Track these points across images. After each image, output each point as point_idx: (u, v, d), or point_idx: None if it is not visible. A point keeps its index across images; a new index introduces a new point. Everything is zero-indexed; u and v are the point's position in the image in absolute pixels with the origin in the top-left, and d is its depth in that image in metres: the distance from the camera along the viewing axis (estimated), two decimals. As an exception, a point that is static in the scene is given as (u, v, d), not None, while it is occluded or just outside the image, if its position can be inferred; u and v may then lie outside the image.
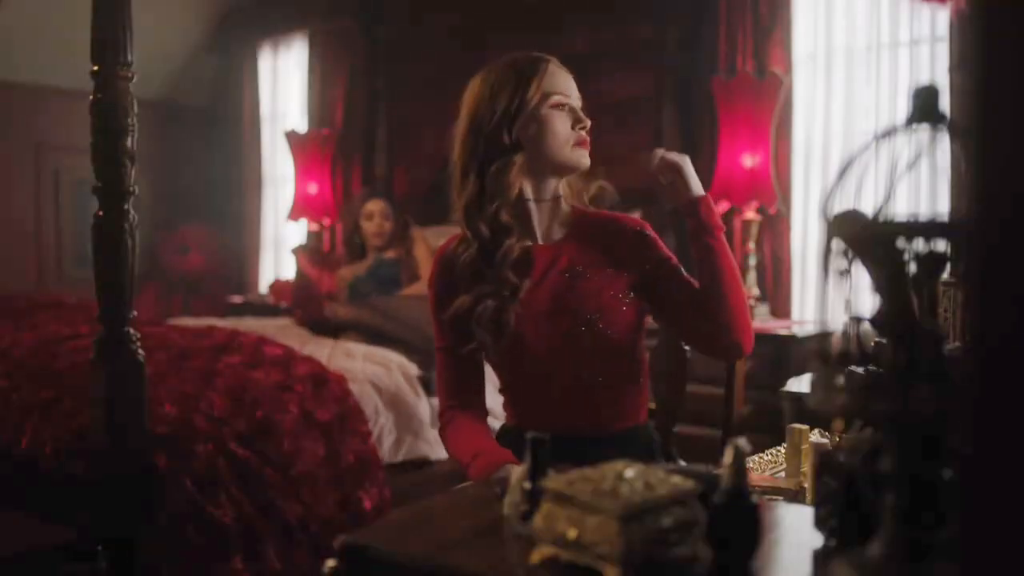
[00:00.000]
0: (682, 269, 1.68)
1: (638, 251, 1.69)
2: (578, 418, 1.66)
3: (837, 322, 0.84)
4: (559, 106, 1.67)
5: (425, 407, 3.20)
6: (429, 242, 4.19)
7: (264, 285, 5.73)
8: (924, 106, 0.80)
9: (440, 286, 1.73)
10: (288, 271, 5.58)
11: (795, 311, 3.70)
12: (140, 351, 2.20)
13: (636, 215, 1.76)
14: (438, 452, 3.14)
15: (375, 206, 4.11)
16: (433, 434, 3.15)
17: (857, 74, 3.51)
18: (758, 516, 0.92)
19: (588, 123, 1.68)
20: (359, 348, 3.52)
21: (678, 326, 1.75)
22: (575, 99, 1.70)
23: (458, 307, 1.67)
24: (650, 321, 1.75)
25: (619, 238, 1.70)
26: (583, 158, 1.69)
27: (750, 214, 3.58)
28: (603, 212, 1.77)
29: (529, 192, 1.69)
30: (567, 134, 1.67)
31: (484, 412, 1.75)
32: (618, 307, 1.66)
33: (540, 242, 1.72)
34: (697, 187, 1.65)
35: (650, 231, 1.72)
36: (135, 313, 2.21)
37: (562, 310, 1.65)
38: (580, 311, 1.65)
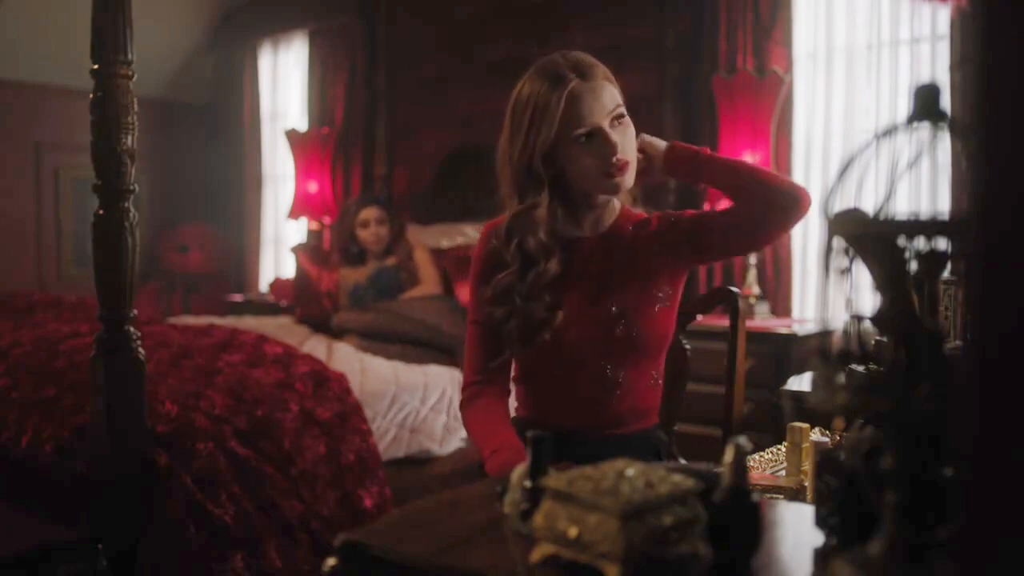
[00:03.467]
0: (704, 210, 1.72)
1: (663, 230, 1.69)
2: (593, 418, 1.66)
3: (838, 321, 0.84)
4: (584, 136, 1.58)
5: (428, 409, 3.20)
6: (428, 244, 4.19)
7: (264, 284, 5.74)
8: (925, 104, 0.80)
9: (485, 263, 1.70)
10: (288, 270, 5.59)
11: (795, 309, 3.70)
12: (140, 350, 2.20)
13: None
14: (441, 448, 3.14)
15: (369, 214, 4.09)
16: (433, 429, 3.15)
17: (858, 73, 3.51)
18: (759, 514, 0.92)
19: (618, 155, 1.59)
20: (356, 351, 3.53)
21: (747, 242, 1.75)
22: (607, 114, 1.59)
23: (490, 312, 1.66)
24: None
25: (648, 231, 1.71)
26: (615, 187, 1.62)
27: (750, 213, 3.58)
28: (641, 213, 1.77)
29: (581, 198, 1.67)
30: (595, 167, 1.59)
31: (508, 391, 1.73)
32: (654, 308, 1.66)
33: (587, 234, 1.71)
34: (661, 143, 1.69)
35: (657, 216, 1.74)
36: (135, 312, 2.21)
37: (599, 305, 1.65)
38: (617, 307, 1.64)
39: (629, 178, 1.62)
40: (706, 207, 3.65)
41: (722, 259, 3.39)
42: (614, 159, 1.59)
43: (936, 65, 3.21)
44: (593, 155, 1.59)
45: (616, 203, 1.73)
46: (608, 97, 1.60)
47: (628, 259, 1.68)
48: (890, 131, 0.81)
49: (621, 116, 1.62)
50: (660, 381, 1.72)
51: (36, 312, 3.80)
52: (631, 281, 1.66)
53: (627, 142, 1.61)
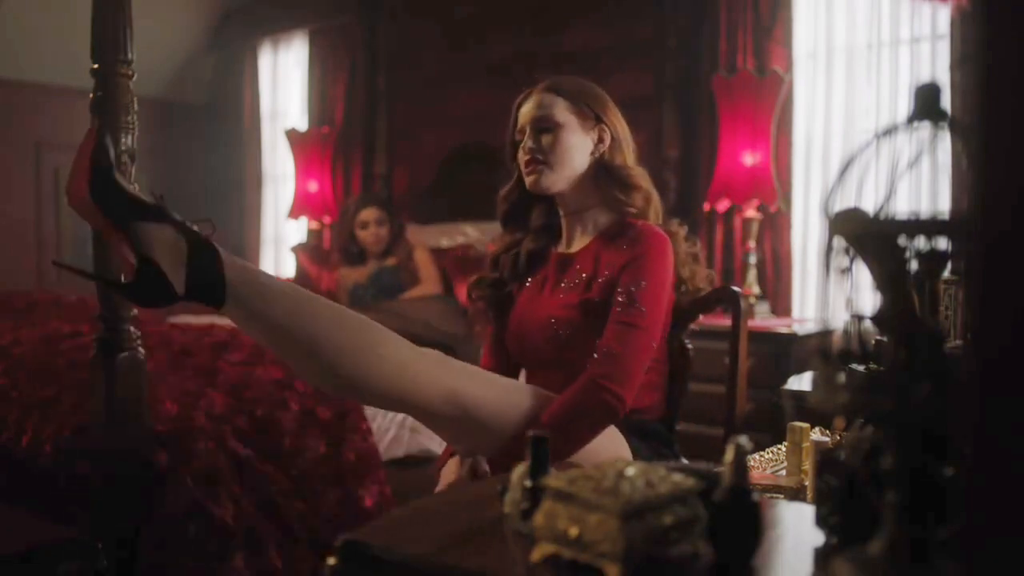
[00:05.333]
0: (628, 310, 1.63)
1: (618, 263, 1.70)
2: None
3: (838, 320, 0.84)
4: (520, 137, 1.80)
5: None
6: (428, 244, 4.19)
7: (264, 283, 5.73)
8: (925, 104, 0.80)
9: None
10: (288, 269, 5.59)
11: (795, 309, 3.70)
12: (140, 349, 2.20)
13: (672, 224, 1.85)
14: (441, 447, 3.14)
15: (369, 214, 4.09)
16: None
17: (858, 72, 3.51)
18: (759, 514, 0.92)
19: (530, 152, 1.74)
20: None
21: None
22: (532, 117, 1.76)
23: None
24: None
25: (618, 250, 1.72)
26: (529, 179, 1.77)
27: (750, 212, 3.58)
28: (631, 222, 1.77)
29: (558, 202, 1.83)
30: (522, 158, 1.78)
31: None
32: (586, 325, 1.69)
33: (561, 249, 1.84)
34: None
35: (650, 249, 1.69)
36: (135, 311, 2.20)
37: (545, 317, 1.74)
38: (555, 324, 1.72)
39: (548, 177, 1.75)
40: (706, 206, 3.66)
41: None
42: (526, 156, 1.75)
43: (936, 64, 3.21)
44: (521, 151, 1.79)
45: (605, 215, 1.80)
46: (541, 105, 1.76)
47: (575, 284, 1.75)
48: (890, 131, 0.81)
49: (547, 128, 1.75)
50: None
51: (36, 311, 3.80)
52: (570, 309, 1.72)
53: (556, 148, 1.74)
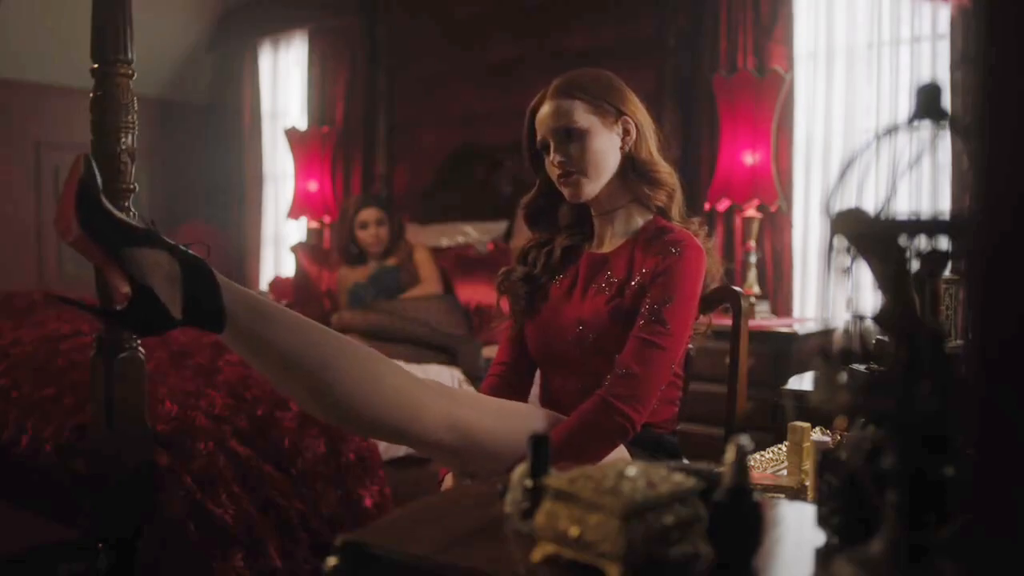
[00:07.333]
0: (651, 320, 1.60)
1: (651, 269, 1.66)
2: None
3: (839, 320, 0.84)
4: (543, 147, 1.74)
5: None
6: (428, 244, 4.19)
7: (264, 283, 5.74)
8: (926, 103, 0.80)
9: None
10: (288, 269, 5.59)
11: (796, 309, 3.70)
12: (141, 349, 2.20)
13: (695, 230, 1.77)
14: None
15: (368, 215, 4.08)
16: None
17: (858, 72, 3.51)
18: (760, 514, 0.92)
19: (559, 165, 1.70)
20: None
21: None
22: (551, 129, 1.71)
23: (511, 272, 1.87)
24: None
25: (652, 255, 1.68)
26: (567, 191, 1.73)
27: (751, 212, 3.58)
28: (666, 225, 1.74)
29: (591, 203, 1.78)
30: (553, 171, 1.73)
31: (520, 385, 1.84)
32: (616, 331, 1.66)
33: (593, 249, 1.80)
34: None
35: (683, 261, 1.65)
36: (135, 311, 2.20)
37: (574, 320, 1.71)
38: (582, 325, 1.69)
39: (587, 186, 1.71)
40: (706, 206, 3.66)
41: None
42: (558, 171, 1.71)
43: (936, 64, 3.21)
44: (550, 164, 1.73)
45: (639, 217, 1.77)
46: (560, 113, 1.70)
47: (604, 287, 1.71)
48: (891, 130, 0.81)
49: (572, 137, 1.69)
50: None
51: (36, 311, 3.80)
52: (598, 311, 1.69)
53: (586, 156, 1.69)
